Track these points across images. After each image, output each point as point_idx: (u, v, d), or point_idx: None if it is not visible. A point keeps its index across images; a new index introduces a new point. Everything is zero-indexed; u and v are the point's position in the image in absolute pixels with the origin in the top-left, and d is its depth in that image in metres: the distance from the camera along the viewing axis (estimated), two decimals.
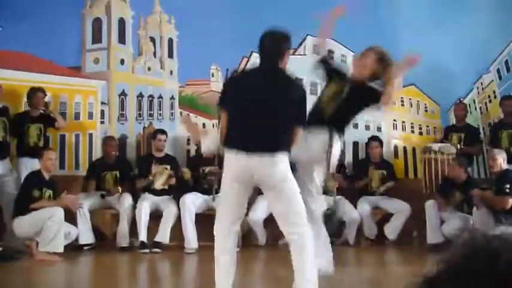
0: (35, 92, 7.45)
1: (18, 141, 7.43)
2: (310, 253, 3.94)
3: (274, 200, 4.00)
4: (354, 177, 7.95)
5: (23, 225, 6.64)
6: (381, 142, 8.09)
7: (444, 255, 1.01)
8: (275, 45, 4.06)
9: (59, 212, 6.64)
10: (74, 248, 7.01)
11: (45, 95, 7.52)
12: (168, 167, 7.65)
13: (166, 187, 7.53)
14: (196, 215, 7.27)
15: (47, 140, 7.55)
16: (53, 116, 7.45)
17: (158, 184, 7.47)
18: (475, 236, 1.02)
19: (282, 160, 3.91)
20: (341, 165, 7.94)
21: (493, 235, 1.00)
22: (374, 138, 8.13)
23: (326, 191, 7.58)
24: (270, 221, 7.42)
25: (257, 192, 7.56)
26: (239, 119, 3.98)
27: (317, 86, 8.53)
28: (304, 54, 8.56)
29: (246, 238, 7.44)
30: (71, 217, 6.97)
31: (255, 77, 4.13)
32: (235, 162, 3.93)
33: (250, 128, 3.93)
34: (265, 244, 7.44)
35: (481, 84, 8.52)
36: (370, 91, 4.46)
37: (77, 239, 7.11)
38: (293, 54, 8.48)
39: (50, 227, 6.55)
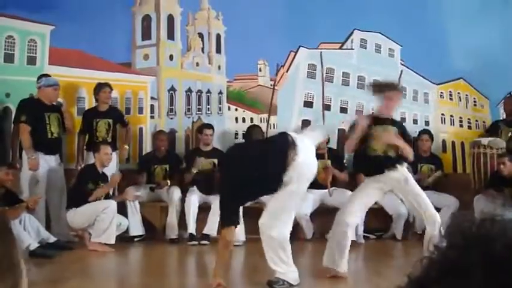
0: (101, 87, 7.65)
1: (88, 136, 7.67)
2: None
3: None
4: None
5: (77, 216, 6.86)
6: (431, 136, 8.02)
7: (428, 250, 0.89)
8: None
9: (112, 205, 6.85)
10: (124, 240, 7.19)
11: (111, 89, 7.72)
12: (215, 161, 7.74)
13: None
14: (244, 208, 7.35)
15: (115, 135, 7.71)
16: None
17: None
18: (460, 223, 0.88)
19: None
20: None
21: (481, 219, 0.87)
22: (425, 131, 8.06)
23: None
24: (316, 215, 7.48)
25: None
26: None
27: (364, 80, 8.54)
28: (352, 49, 8.56)
29: (293, 232, 7.47)
30: (121, 209, 7.16)
31: None
32: None
33: None
34: (311, 238, 7.48)
35: None
36: None
37: (127, 231, 7.29)
38: (340, 48, 8.51)
39: (103, 219, 6.75)
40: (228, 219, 4.87)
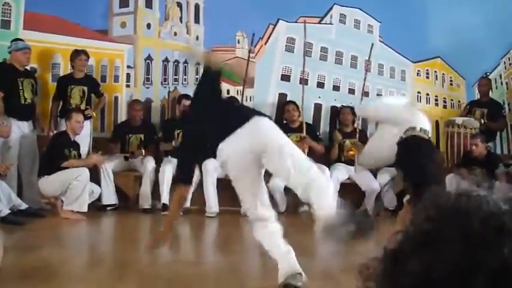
0: (77, 55, 7.54)
1: (62, 103, 7.58)
2: None
3: None
4: None
5: (49, 184, 6.80)
6: None
7: (405, 223, 0.87)
8: None
9: (85, 173, 6.80)
10: (97, 208, 7.17)
11: (88, 57, 7.61)
12: None
13: None
14: (218, 179, 7.36)
15: (88, 102, 7.62)
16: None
17: None
18: (437, 196, 0.87)
19: None
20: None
21: (457, 193, 0.86)
22: None
23: None
24: (290, 189, 7.50)
25: None
26: None
27: (342, 56, 8.53)
28: (331, 24, 8.53)
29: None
30: (95, 178, 7.12)
31: None
32: None
33: None
34: (285, 211, 7.50)
35: (509, 59, 8.43)
36: None
37: (100, 199, 7.25)
38: (319, 22, 8.48)
39: (76, 187, 6.70)
40: (178, 177, 4.62)
